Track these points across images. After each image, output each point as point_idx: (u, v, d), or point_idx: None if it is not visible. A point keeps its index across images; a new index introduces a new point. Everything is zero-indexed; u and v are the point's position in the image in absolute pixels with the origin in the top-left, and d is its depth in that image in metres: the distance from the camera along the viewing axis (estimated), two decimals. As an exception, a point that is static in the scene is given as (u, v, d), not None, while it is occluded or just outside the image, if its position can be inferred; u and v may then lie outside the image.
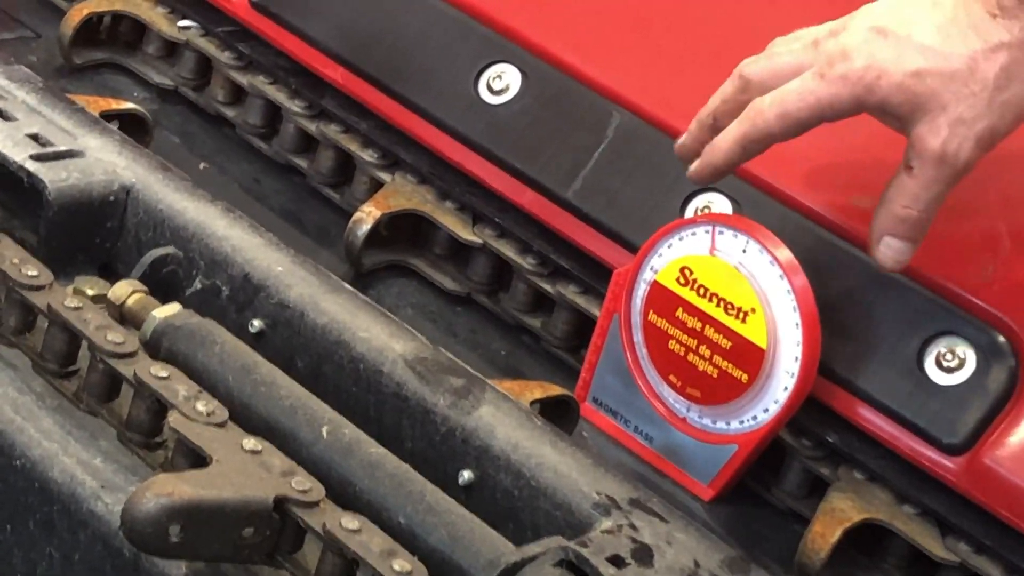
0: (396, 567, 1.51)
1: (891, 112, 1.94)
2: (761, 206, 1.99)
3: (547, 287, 2.09)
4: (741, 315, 1.89)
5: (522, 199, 2.13)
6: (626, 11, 2.33)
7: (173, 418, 1.62)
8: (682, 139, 2.03)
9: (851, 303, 1.95)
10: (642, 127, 2.11)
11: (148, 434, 1.68)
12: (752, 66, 1.99)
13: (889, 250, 1.93)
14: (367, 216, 2.14)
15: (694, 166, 2.00)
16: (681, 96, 2.12)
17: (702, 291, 1.91)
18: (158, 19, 2.37)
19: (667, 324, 1.93)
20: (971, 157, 1.91)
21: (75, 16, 2.38)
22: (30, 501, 1.70)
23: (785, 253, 1.87)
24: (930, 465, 1.85)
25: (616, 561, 1.58)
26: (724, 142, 1.97)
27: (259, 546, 1.57)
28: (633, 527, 1.65)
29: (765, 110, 1.94)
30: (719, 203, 2.00)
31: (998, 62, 1.92)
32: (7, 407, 1.74)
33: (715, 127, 2.00)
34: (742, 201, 1.99)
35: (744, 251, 1.89)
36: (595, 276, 2.06)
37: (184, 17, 2.38)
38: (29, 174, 1.93)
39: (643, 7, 2.35)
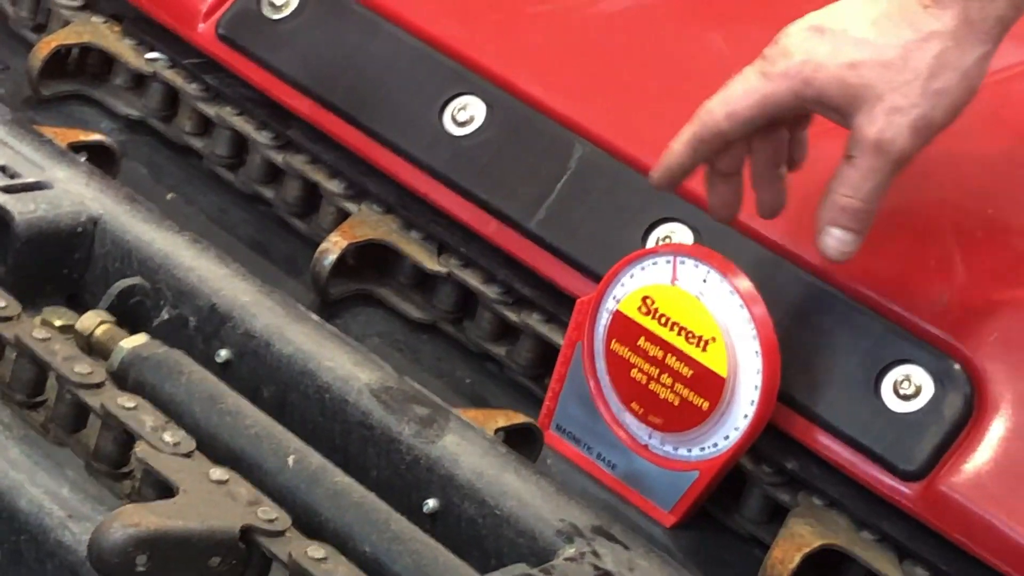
0: None
1: (830, 105, 1.97)
2: (722, 236, 1.99)
3: (511, 316, 2.09)
4: (702, 344, 1.88)
5: (487, 229, 2.13)
6: (590, 44, 2.32)
7: (140, 448, 1.62)
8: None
9: (809, 332, 1.95)
10: (604, 158, 2.12)
11: (115, 464, 1.68)
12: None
13: (833, 240, 1.94)
14: (333, 246, 2.14)
15: (652, 172, 2.01)
16: (643, 128, 2.14)
17: (663, 320, 1.91)
18: (125, 51, 2.37)
19: (629, 352, 1.93)
20: (907, 145, 1.94)
21: (43, 49, 2.38)
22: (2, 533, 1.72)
23: (745, 283, 1.88)
24: (887, 492, 1.85)
25: None
26: (677, 144, 1.99)
27: (224, 571, 1.58)
28: (596, 554, 1.65)
29: (713, 109, 1.97)
30: (680, 233, 2.01)
31: (930, 51, 1.96)
32: None
33: None
34: (703, 231, 1.99)
35: (704, 281, 1.89)
36: (558, 305, 2.05)
37: (152, 49, 2.38)
38: None
39: (607, 40, 2.34)
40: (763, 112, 1.97)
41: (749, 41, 2.24)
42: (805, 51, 1.97)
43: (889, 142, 1.92)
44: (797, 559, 1.83)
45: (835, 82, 1.95)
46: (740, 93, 1.97)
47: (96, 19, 2.40)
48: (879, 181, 1.94)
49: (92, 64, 2.40)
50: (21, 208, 1.91)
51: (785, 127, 2.04)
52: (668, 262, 1.92)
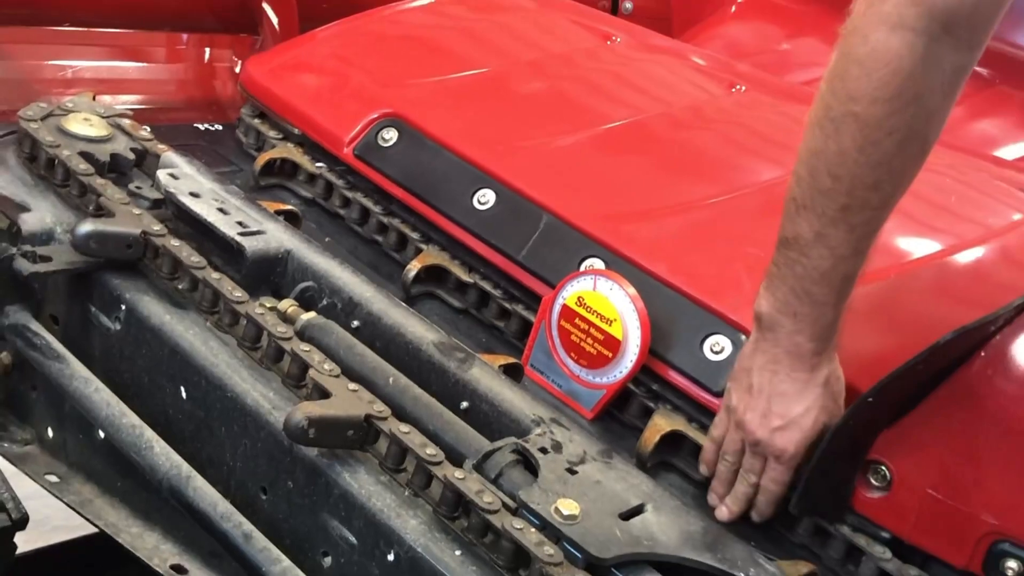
0: (428, 452, 1.51)
1: None
2: (618, 265, 1.90)
3: (507, 305, 2.00)
4: (608, 322, 1.82)
5: (495, 259, 2.03)
6: (552, 158, 2.14)
7: (311, 372, 1.63)
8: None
9: (667, 317, 1.82)
10: (558, 223, 1.99)
11: (298, 381, 1.67)
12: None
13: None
14: (413, 267, 2.05)
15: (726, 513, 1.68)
16: (583, 205, 2.01)
17: (588, 309, 1.83)
18: (304, 162, 2.25)
19: (570, 326, 1.85)
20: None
21: (260, 160, 2.26)
22: (235, 415, 1.70)
23: (631, 290, 1.80)
24: (704, 402, 1.77)
25: (542, 450, 1.55)
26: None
27: (355, 440, 1.57)
28: (552, 432, 1.62)
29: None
30: (598, 263, 1.91)
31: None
32: (223, 365, 1.73)
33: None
34: (609, 262, 1.90)
35: (611, 289, 1.82)
36: (533, 300, 1.97)
37: (318, 161, 2.26)
38: (237, 243, 1.89)
39: (563, 157, 2.16)
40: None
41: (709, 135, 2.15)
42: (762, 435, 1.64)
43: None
44: (656, 438, 1.77)
45: None
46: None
47: (289, 144, 2.28)
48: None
49: (287, 168, 2.29)
50: (249, 244, 1.89)
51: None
52: (591, 278, 1.85)
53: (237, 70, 2.90)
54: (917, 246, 1.86)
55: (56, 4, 2.60)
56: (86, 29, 2.71)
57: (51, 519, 2.14)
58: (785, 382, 1.56)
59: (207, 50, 2.91)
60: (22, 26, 2.59)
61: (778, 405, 1.57)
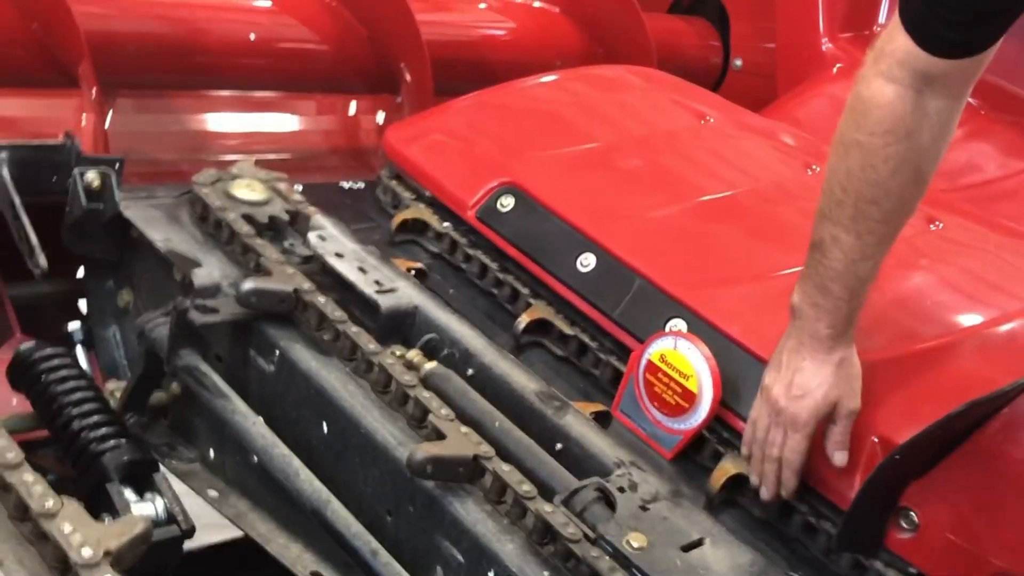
0: (524, 488, 1.72)
1: None
2: (698, 326, 2.02)
3: (602, 356, 2.12)
4: (685, 377, 1.93)
5: (593, 315, 2.15)
6: (650, 225, 2.27)
7: (431, 417, 1.82)
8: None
9: (737, 372, 1.94)
10: (648, 286, 2.12)
11: (420, 422, 1.84)
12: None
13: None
14: (523, 320, 2.20)
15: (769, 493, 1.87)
16: (673, 271, 2.14)
17: (669, 365, 1.95)
18: (433, 221, 2.40)
19: (653, 379, 1.97)
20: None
21: (396, 220, 2.41)
22: (367, 449, 1.87)
23: (706, 351, 1.93)
24: None
25: (620, 489, 1.75)
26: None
27: (465, 475, 1.75)
28: (631, 474, 1.81)
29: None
30: (680, 324, 2.03)
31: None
32: (359, 406, 1.91)
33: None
34: (690, 322, 2.03)
35: (688, 349, 1.94)
36: (624, 352, 2.08)
37: (445, 221, 2.40)
38: (374, 300, 2.09)
39: (661, 226, 2.28)
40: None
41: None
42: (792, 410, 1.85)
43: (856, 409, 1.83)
44: (723, 479, 1.89)
45: None
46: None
47: (421, 205, 2.44)
48: (849, 427, 1.83)
49: (418, 226, 2.42)
50: (384, 301, 2.08)
51: None
52: (674, 339, 1.98)
53: (380, 120, 3.16)
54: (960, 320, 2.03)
55: (220, 71, 2.88)
56: (246, 93, 3.00)
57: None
58: (806, 360, 1.79)
59: (353, 108, 3.16)
60: (192, 91, 2.88)
61: (799, 378, 1.79)
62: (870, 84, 1.71)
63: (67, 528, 1.43)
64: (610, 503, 1.74)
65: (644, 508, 1.75)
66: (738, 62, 3.73)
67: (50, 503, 1.45)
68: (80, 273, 2.39)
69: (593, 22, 3.38)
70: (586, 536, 1.68)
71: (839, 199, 1.74)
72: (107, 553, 1.41)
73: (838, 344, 1.79)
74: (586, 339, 2.18)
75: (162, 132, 2.82)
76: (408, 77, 3.05)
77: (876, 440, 1.81)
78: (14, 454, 1.52)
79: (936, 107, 1.71)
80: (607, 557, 1.65)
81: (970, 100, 2.71)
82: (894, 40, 1.70)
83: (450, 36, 3.21)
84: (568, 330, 2.20)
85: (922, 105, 1.70)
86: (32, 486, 1.48)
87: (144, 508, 1.87)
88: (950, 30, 1.66)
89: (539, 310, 2.24)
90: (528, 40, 3.39)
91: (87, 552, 1.41)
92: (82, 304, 2.43)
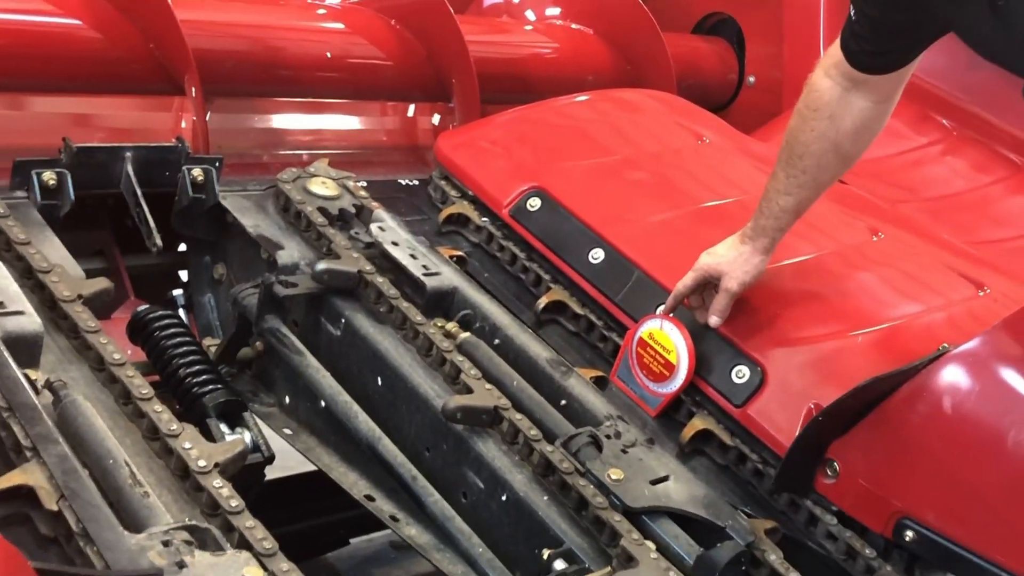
0: (532, 433, 2.04)
1: (715, 277, 2.24)
2: (682, 310, 2.30)
3: (606, 333, 2.41)
4: (667, 351, 2.24)
5: (600, 299, 2.43)
6: (650, 227, 2.53)
7: (462, 375, 2.14)
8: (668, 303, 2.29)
9: (708, 350, 2.24)
10: (646, 278, 2.40)
11: (453, 380, 2.14)
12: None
13: (713, 320, 2.26)
14: (543, 301, 2.48)
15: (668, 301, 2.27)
16: (669, 267, 2.39)
17: (655, 341, 2.26)
18: (474, 216, 2.67)
19: (643, 352, 2.27)
20: (737, 290, 2.22)
21: (443, 214, 2.71)
22: (411, 399, 2.15)
23: (685, 332, 2.24)
24: (729, 410, 2.19)
25: (607, 436, 2.07)
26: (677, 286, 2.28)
27: (487, 422, 2.06)
28: (616, 425, 2.13)
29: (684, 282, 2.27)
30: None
31: (743, 257, 2.23)
32: (406, 365, 2.20)
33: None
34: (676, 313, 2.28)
35: (671, 329, 2.26)
36: (623, 331, 2.35)
37: (483, 217, 2.64)
38: (421, 281, 2.37)
39: (659, 230, 2.52)
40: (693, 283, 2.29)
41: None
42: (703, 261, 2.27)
43: (733, 290, 2.25)
44: (692, 433, 2.22)
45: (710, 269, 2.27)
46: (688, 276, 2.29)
47: (464, 202, 2.71)
48: (728, 302, 2.28)
49: (461, 220, 2.69)
50: (429, 282, 2.38)
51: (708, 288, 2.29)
52: (659, 320, 2.28)
53: (435, 122, 3.45)
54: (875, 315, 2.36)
55: (301, 82, 3.17)
56: (321, 100, 3.32)
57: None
58: (729, 241, 2.26)
59: (411, 113, 3.48)
60: (276, 98, 3.22)
61: (718, 247, 2.26)
62: (816, 73, 2.14)
63: (187, 445, 1.77)
64: (598, 446, 2.08)
65: (624, 451, 2.11)
66: (752, 79, 3.98)
67: (174, 427, 1.80)
68: (182, 249, 2.67)
69: (622, 44, 3.64)
70: (577, 470, 2.04)
71: (783, 147, 2.19)
72: (216, 464, 1.76)
73: (752, 244, 2.20)
74: (593, 318, 2.47)
75: (250, 131, 3.12)
76: (458, 88, 3.27)
77: (812, 406, 2.18)
78: (147, 389, 1.86)
79: (860, 105, 2.11)
80: (592, 486, 2.01)
81: (943, 122, 3.08)
82: (836, 47, 2.09)
83: (497, 53, 3.46)
84: (579, 310, 2.49)
85: (847, 100, 2.10)
86: (161, 414, 1.82)
87: (235, 439, 2.12)
88: (865, 55, 2.05)
89: (556, 293, 2.53)
90: (565, 58, 3.63)
91: (202, 463, 1.75)
92: (183, 275, 2.71)
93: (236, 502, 1.70)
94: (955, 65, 3.17)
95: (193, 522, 1.61)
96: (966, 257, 2.58)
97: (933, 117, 3.34)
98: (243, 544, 1.62)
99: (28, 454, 1.63)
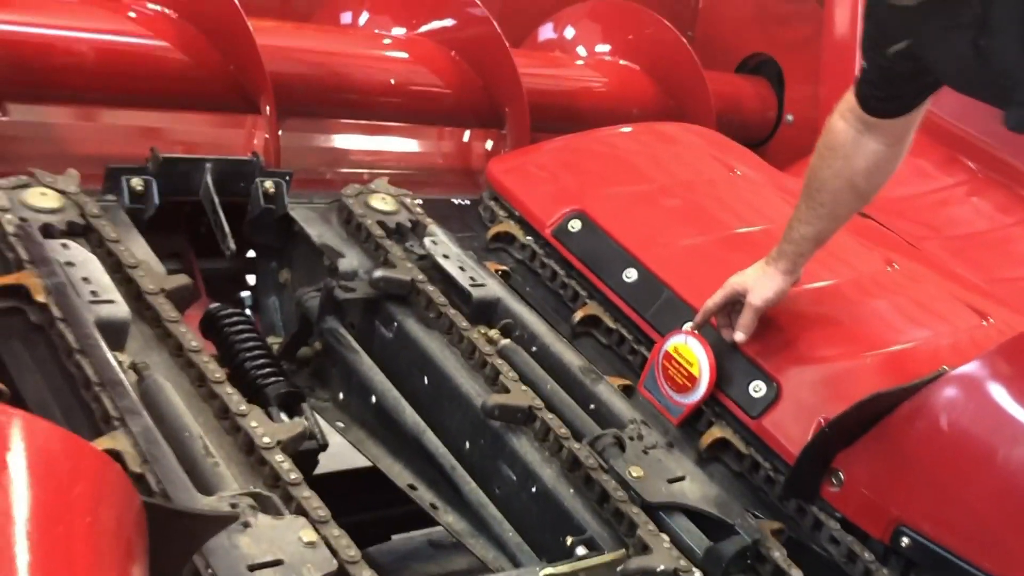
0: (562, 432, 2.15)
1: (741, 295, 2.30)
2: (707, 327, 2.37)
3: (636, 347, 2.50)
4: (691, 364, 2.32)
5: (631, 315, 2.53)
6: (681, 251, 2.62)
7: (501, 377, 2.26)
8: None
9: (729, 365, 2.32)
10: (673, 296, 2.49)
11: (493, 381, 2.26)
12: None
13: (739, 337, 2.32)
14: (578, 315, 2.58)
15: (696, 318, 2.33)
16: (696, 287, 2.48)
17: (680, 355, 2.34)
18: (519, 235, 2.77)
19: (668, 364, 2.36)
20: (763, 307, 2.28)
21: (491, 232, 2.82)
22: (455, 397, 2.26)
23: (708, 347, 2.31)
24: (746, 421, 2.27)
25: (630, 438, 2.18)
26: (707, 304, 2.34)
27: (522, 420, 2.16)
28: (640, 429, 2.24)
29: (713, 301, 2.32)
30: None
31: (768, 277, 2.30)
32: (451, 367, 2.33)
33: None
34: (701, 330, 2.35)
35: (695, 344, 2.34)
36: (649, 343, 2.44)
37: (528, 236, 2.76)
38: (468, 291, 2.48)
39: (691, 250, 2.62)
40: (722, 300, 2.36)
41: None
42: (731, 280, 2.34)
43: (756, 305, 2.31)
44: (709, 440, 2.29)
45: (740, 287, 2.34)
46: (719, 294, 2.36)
47: (511, 222, 2.81)
48: (752, 317, 2.35)
49: (507, 238, 2.79)
50: (475, 292, 2.49)
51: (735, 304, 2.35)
52: (684, 337, 2.37)
53: (488, 147, 3.58)
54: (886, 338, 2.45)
55: (366, 106, 3.34)
56: (384, 123, 3.48)
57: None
58: (756, 264, 2.33)
59: (466, 137, 3.62)
60: (342, 119, 3.39)
61: (748, 269, 2.32)
62: (833, 116, 2.24)
63: (254, 424, 1.92)
64: (622, 447, 2.20)
65: (645, 452, 2.24)
66: (790, 117, 4.12)
67: (243, 407, 1.95)
68: (251, 255, 2.79)
69: (666, 80, 3.79)
70: (601, 467, 2.15)
71: (805, 182, 2.30)
72: (279, 442, 1.90)
73: (775, 266, 2.29)
74: (624, 332, 2.58)
75: (318, 149, 3.27)
76: (510, 116, 3.40)
77: (822, 420, 2.26)
78: (220, 374, 2.02)
79: (872, 147, 2.22)
80: (614, 482, 2.13)
81: (969, 164, 3.18)
82: (851, 92, 2.20)
83: (548, 85, 3.61)
84: (612, 325, 2.60)
85: (861, 142, 2.21)
86: (231, 396, 1.97)
87: (296, 421, 2.27)
88: (875, 100, 2.16)
89: (591, 308, 2.63)
90: (612, 92, 3.77)
91: (267, 440, 1.89)
92: (250, 278, 2.82)
93: (295, 475, 1.86)
94: (982, 111, 3.21)
95: (257, 490, 1.78)
96: (973, 289, 2.67)
97: (959, 159, 3.40)
98: (300, 511, 1.76)
99: (116, 423, 1.82)
